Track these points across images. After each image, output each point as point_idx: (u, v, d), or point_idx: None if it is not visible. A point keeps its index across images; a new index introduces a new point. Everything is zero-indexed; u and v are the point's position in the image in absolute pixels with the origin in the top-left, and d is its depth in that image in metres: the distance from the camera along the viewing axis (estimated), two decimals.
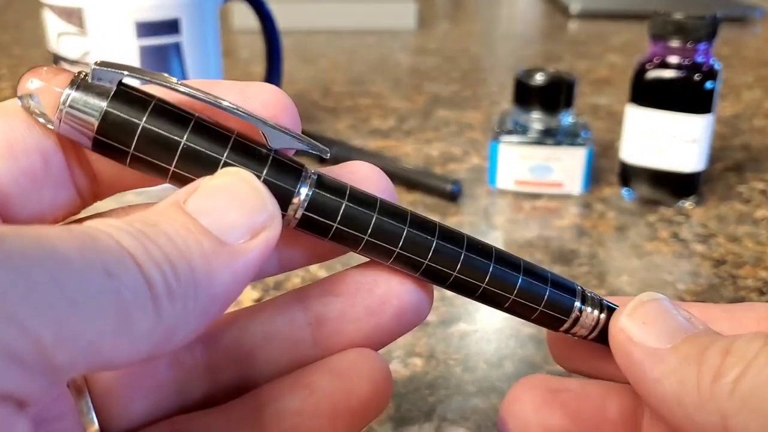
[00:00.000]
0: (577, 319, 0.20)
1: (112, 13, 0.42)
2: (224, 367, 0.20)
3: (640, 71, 0.45)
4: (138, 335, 0.13)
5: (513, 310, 0.20)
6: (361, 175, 0.19)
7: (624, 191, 0.48)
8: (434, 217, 0.19)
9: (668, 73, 0.44)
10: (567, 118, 0.48)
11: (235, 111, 0.17)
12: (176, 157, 0.16)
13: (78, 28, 0.43)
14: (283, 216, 0.17)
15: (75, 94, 0.16)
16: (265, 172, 0.17)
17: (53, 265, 0.12)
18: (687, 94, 0.44)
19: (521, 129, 0.48)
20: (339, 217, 0.18)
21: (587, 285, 0.38)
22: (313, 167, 0.18)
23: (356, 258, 0.19)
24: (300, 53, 0.85)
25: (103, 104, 0.16)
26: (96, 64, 0.16)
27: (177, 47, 0.45)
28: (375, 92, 0.71)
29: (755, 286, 0.38)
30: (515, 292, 0.19)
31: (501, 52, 0.93)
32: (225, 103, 0.17)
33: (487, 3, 1.27)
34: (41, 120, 0.16)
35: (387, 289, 0.19)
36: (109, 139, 0.16)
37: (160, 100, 0.16)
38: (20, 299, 0.11)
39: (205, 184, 0.16)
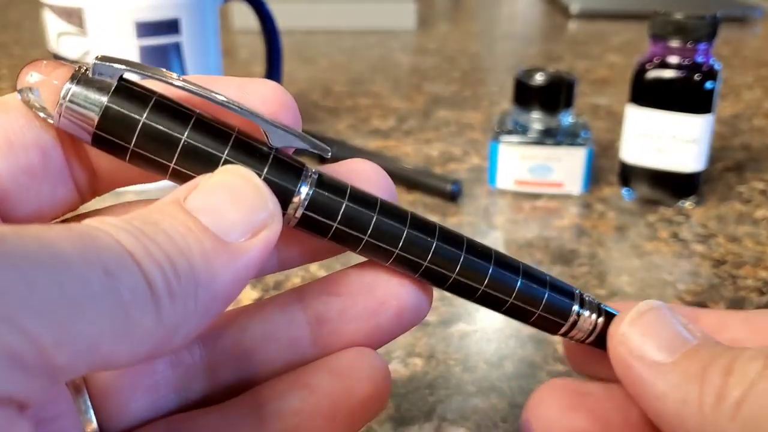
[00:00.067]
0: (575, 323, 0.20)
1: (112, 13, 0.42)
2: (223, 366, 0.19)
3: (640, 71, 0.45)
4: (138, 335, 0.13)
5: (511, 312, 0.20)
6: (362, 173, 0.19)
7: (624, 191, 0.48)
8: (434, 218, 0.19)
9: (668, 73, 0.44)
10: (567, 118, 0.48)
11: (237, 108, 0.17)
12: (176, 154, 0.16)
13: (78, 28, 0.43)
14: (283, 215, 0.17)
15: (75, 89, 0.16)
16: (265, 170, 0.17)
17: (53, 266, 0.12)
18: (687, 94, 0.44)
19: (521, 129, 0.48)
20: (339, 217, 0.17)
21: (587, 285, 0.38)
22: (313, 166, 0.18)
23: (355, 257, 0.19)
24: (300, 53, 0.85)
25: (104, 99, 0.16)
26: (97, 58, 0.16)
27: (177, 47, 0.45)
28: (375, 92, 0.71)
29: (755, 286, 0.38)
30: (514, 294, 0.19)
31: (501, 52, 0.93)
32: (226, 100, 0.17)
33: (487, 3, 1.27)
34: (41, 114, 0.16)
35: (387, 290, 0.19)
36: (110, 134, 0.16)
37: (161, 96, 0.16)
38: (20, 301, 0.11)
39: (205, 181, 0.16)
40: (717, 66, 0.44)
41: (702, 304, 0.36)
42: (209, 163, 0.16)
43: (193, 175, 0.16)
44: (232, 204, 0.15)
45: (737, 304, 0.36)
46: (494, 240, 0.43)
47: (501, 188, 0.49)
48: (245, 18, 0.84)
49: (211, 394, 0.19)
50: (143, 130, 0.16)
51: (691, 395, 0.16)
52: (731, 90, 0.73)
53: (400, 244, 0.18)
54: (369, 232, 0.18)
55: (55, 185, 0.17)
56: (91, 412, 0.18)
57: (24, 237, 0.12)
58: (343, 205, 0.18)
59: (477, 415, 0.29)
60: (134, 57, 0.43)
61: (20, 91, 0.16)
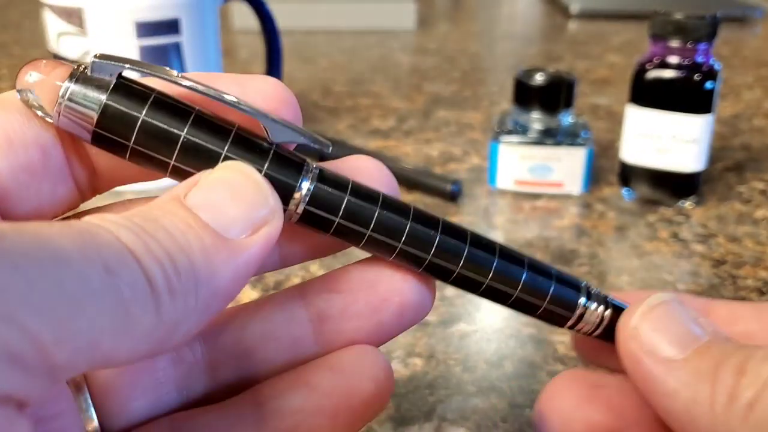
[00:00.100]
0: (581, 316, 0.20)
1: (112, 13, 0.42)
2: (225, 364, 0.19)
3: (640, 71, 0.45)
4: (138, 333, 0.13)
5: (517, 305, 0.20)
6: (364, 170, 0.19)
7: (624, 191, 0.48)
8: None
9: (668, 73, 0.44)
10: (567, 118, 0.48)
11: (236, 104, 0.17)
12: (176, 151, 0.16)
13: (78, 28, 0.43)
14: (285, 211, 0.17)
15: (74, 87, 0.16)
16: (266, 166, 0.17)
17: (52, 263, 0.12)
18: (687, 94, 0.44)
19: (521, 129, 0.48)
20: (341, 212, 0.17)
21: None
22: (313, 163, 0.18)
23: (356, 254, 0.19)
24: (300, 53, 0.85)
25: (103, 97, 0.16)
26: (95, 56, 0.16)
27: (177, 47, 0.45)
28: (375, 92, 0.71)
29: (755, 286, 0.38)
30: (519, 287, 0.19)
31: (501, 52, 0.93)
32: (226, 96, 0.17)
33: (487, 3, 1.27)
34: (40, 113, 0.16)
35: (389, 286, 0.19)
36: (109, 132, 0.16)
37: (160, 93, 0.16)
38: (20, 298, 0.11)
39: (205, 178, 0.15)
40: (717, 66, 0.44)
41: None
42: (209, 160, 0.16)
43: (193, 171, 0.16)
44: (232, 200, 0.15)
45: None
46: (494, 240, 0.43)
47: (501, 188, 0.49)
48: (245, 18, 0.84)
49: (213, 392, 0.19)
50: (142, 128, 0.16)
51: (703, 394, 0.16)
52: (731, 90, 0.73)
53: (403, 238, 0.18)
54: (371, 226, 0.18)
55: (55, 183, 0.17)
56: (92, 410, 0.18)
57: (23, 234, 0.12)
58: (345, 200, 0.17)
59: (477, 415, 0.29)
60: (134, 57, 0.43)
61: (19, 91, 0.16)
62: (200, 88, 0.16)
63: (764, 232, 0.44)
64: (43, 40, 0.47)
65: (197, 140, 0.16)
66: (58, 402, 0.17)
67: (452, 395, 0.30)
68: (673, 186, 0.46)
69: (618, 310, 0.20)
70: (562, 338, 0.33)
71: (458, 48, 0.91)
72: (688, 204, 0.47)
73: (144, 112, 0.16)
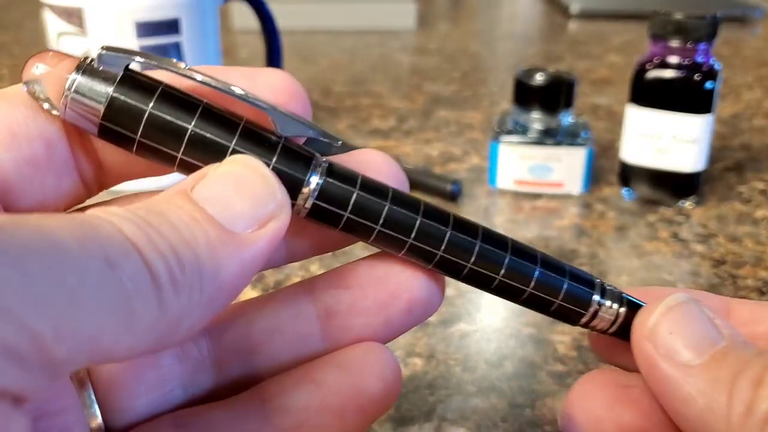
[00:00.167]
0: (596, 313, 0.19)
1: (112, 13, 0.42)
2: (231, 360, 0.19)
3: (640, 71, 0.45)
4: (140, 327, 0.13)
5: (530, 303, 0.19)
6: (372, 164, 0.19)
7: (624, 191, 0.48)
8: None
9: (668, 73, 0.44)
10: (567, 118, 0.48)
11: (245, 97, 0.16)
12: (183, 145, 0.16)
13: (78, 28, 0.43)
14: (293, 205, 0.17)
15: (81, 80, 0.15)
16: (274, 160, 0.16)
17: (52, 256, 0.12)
18: (687, 94, 0.44)
19: (521, 129, 0.48)
20: (350, 207, 0.17)
21: None
22: (322, 157, 0.18)
23: (357, 253, 0.19)
24: (300, 53, 0.85)
25: (110, 90, 0.15)
26: (102, 48, 0.16)
27: (177, 47, 0.45)
28: (375, 92, 0.71)
29: (755, 286, 0.38)
30: (532, 284, 0.19)
31: (501, 52, 0.93)
32: (234, 89, 0.16)
33: (487, 3, 1.27)
34: (46, 106, 0.16)
35: (398, 282, 0.19)
36: (116, 125, 0.16)
37: (167, 86, 0.16)
38: (17, 292, 0.11)
39: (213, 171, 0.15)
40: (717, 66, 0.44)
41: None
42: (217, 153, 0.16)
43: (200, 165, 0.16)
44: (239, 194, 0.15)
45: None
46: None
47: (501, 188, 0.49)
48: (245, 18, 0.84)
49: (218, 389, 0.19)
50: (149, 121, 0.16)
51: (719, 404, 0.16)
52: (731, 90, 0.73)
53: (413, 233, 0.18)
54: (381, 221, 0.17)
55: (60, 177, 0.17)
56: (96, 406, 0.18)
57: (23, 226, 0.12)
58: (354, 195, 0.17)
59: (477, 415, 0.29)
60: None
61: (26, 83, 0.16)
62: (208, 80, 0.16)
63: (764, 232, 0.44)
64: (43, 40, 0.47)
65: (205, 133, 0.16)
66: (61, 398, 0.17)
67: (452, 395, 0.30)
68: (673, 186, 0.46)
69: (634, 308, 0.19)
70: (562, 338, 0.33)
71: (458, 48, 0.91)
72: (688, 204, 0.47)
73: (151, 105, 0.16)
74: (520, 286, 0.19)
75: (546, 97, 0.47)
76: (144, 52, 0.16)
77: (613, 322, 0.19)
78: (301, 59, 0.82)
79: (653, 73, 0.45)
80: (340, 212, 0.17)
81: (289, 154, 0.17)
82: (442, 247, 0.18)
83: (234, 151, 0.16)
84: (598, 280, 0.20)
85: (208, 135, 0.16)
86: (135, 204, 0.14)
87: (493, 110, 0.65)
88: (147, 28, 0.43)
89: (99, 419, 0.18)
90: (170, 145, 0.16)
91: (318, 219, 0.17)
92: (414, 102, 0.68)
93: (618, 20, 1.05)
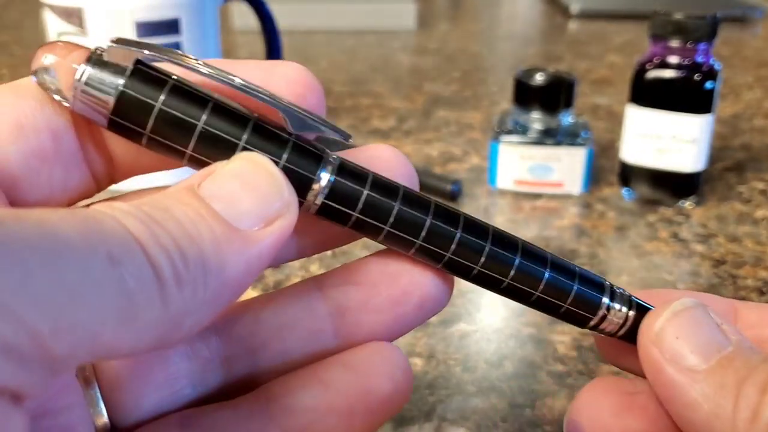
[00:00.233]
0: (604, 317, 0.19)
1: (112, 13, 0.42)
2: (240, 358, 0.19)
3: (640, 71, 0.45)
4: (143, 324, 0.12)
5: (538, 305, 0.19)
6: (383, 159, 0.18)
7: (624, 191, 0.48)
8: None
9: (668, 73, 0.44)
10: (567, 118, 0.48)
11: (255, 92, 0.16)
12: (193, 140, 0.16)
13: (78, 28, 0.43)
14: (303, 202, 0.17)
15: (91, 71, 0.15)
16: (285, 156, 0.16)
17: (52, 252, 0.11)
18: (687, 94, 0.44)
19: (521, 129, 0.48)
20: (360, 206, 0.17)
21: None
22: (333, 154, 0.18)
23: (356, 253, 0.19)
24: (300, 53, 0.85)
25: (120, 82, 0.15)
26: (113, 40, 0.15)
27: (177, 47, 0.45)
28: (375, 92, 0.71)
29: (755, 286, 0.38)
30: (541, 287, 0.19)
31: (501, 52, 0.93)
32: (244, 83, 0.16)
33: (487, 3, 1.27)
34: (56, 97, 0.15)
35: (410, 279, 0.19)
36: (125, 118, 0.15)
37: (178, 79, 0.16)
38: (15, 288, 0.11)
39: (220, 168, 0.15)
40: (717, 66, 0.44)
41: None
42: (227, 149, 0.16)
43: (210, 161, 0.16)
44: (246, 192, 0.15)
45: None
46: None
47: (501, 188, 0.49)
48: (245, 18, 0.84)
49: (227, 387, 0.19)
50: (160, 115, 0.15)
51: (725, 409, 0.16)
52: (731, 90, 0.73)
53: (423, 234, 0.18)
54: (391, 221, 0.17)
55: (68, 170, 0.16)
56: (102, 404, 0.17)
57: (24, 221, 0.12)
58: (365, 193, 0.17)
59: (477, 415, 0.29)
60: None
61: (35, 73, 0.15)
62: (218, 74, 0.16)
63: (764, 232, 0.44)
64: (43, 40, 0.47)
65: (215, 129, 0.16)
66: (65, 395, 0.17)
67: (452, 395, 0.30)
68: (673, 186, 0.46)
69: (642, 311, 0.19)
70: (562, 338, 0.33)
71: (458, 48, 0.91)
72: (688, 204, 0.47)
73: (162, 98, 0.15)
74: (530, 288, 0.19)
75: (546, 97, 0.47)
76: (155, 45, 0.16)
77: (622, 326, 0.19)
78: (301, 59, 0.82)
79: (653, 73, 0.45)
80: (349, 211, 0.17)
81: (300, 150, 0.16)
82: (452, 248, 0.18)
83: (245, 148, 0.16)
84: (607, 283, 0.20)
85: (218, 131, 0.16)
86: (141, 199, 0.14)
87: (493, 110, 0.65)
88: (147, 28, 0.43)
89: (105, 417, 0.17)
90: (180, 139, 0.16)
91: (328, 216, 0.17)
92: (414, 102, 0.68)
93: (618, 20, 1.05)
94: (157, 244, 0.13)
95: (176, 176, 0.17)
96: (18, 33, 0.94)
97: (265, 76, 0.17)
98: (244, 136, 0.16)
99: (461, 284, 0.20)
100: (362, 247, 0.37)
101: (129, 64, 0.15)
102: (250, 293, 0.36)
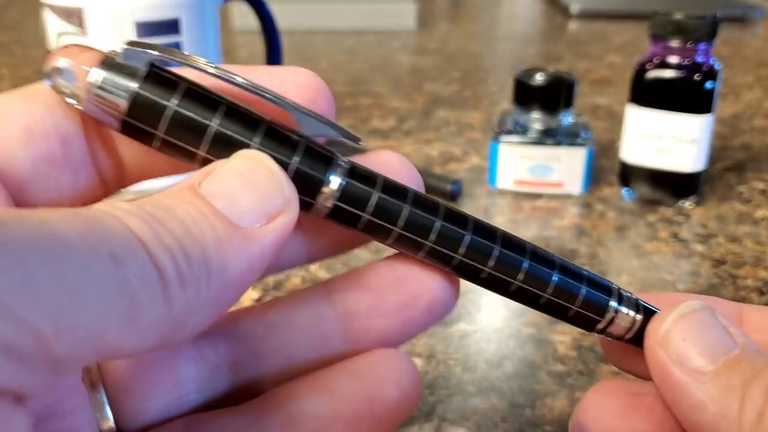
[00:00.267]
0: (612, 320, 0.19)
1: (112, 13, 0.42)
2: (248, 363, 0.19)
3: (640, 71, 0.45)
4: (146, 324, 0.12)
5: (547, 308, 0.19)
6: (388, 165, 0.18)
7: (624, 191, 0.48)
8: None
9: (668, 73, 0.44)
10: (567, 118, 0.48)
11: (269, 95, 0.16)
12: (206, 142, 0.16)
13: (78, 28, 0.43)
14: (314, 205, 0.17)
15: (105, 74, 0.15)
16: (297, 159, 0.16)
17: (54, 252, 0.11)
18: (687, 94, 0.44)
19: (521, 129, 0.48)
20: (371, 208, 0.17)
21: None
22: (343, 158, 0.18)
23: (357, 255, 0.19)
24: (300, 53, 0.85)
25: (134, 85, 0.15)
26: (127, 44, 0.15)
27: (177, 47, 0.45)
28: (375, 92, 0.71)
29: (755, 286, 0.38)
30: (550, 290, 0.19)
31: (501, 52, 0.93)
32: (257, 87, 0.16)
33: (487, 3, 1.27)
34: (69, 100, 0.15)
35: (418, 283, 0.19)
36: (139, 121, 0.15)
37: (191, 82, 0.16)
38: (16, 288, 0.11)
39: (220, 167, 0.15)
40: (717, 66, 0.44)
41: None
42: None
43: None
44: (246, 189, 0.15)
45: None
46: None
47: (501, 188, 0.49)
48: (245, 18, 0.84)
49: (235, 392, 0.19)
50: (174, 118, 0.15)
51: (731, 410, 0.16)
52: (731, 90, 0.73)
53: (433, 236, 0.18)
54: (401, 223, 0.17)
55: (76, 174, 0.16)
56: (108, 408, 0.17)
57: (26, 221, 0.11)
58: (376, 196, 0.17)
59: (477, 415, 0.29)
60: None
61: (48, 76, 0.15)
62: (230, 78, 0.16)
63: (764, 232, 0.44)
64: (43, 40, 0.47)
65: (228, 132, 0.16)
66: (70, 398, 0.17)
67: (452, 395, 0.30)
68: (673, 186, 0.46)
69: (649, 315, 0.19)
70: (562, 338, 0.33)
71: (458, 48, 0.91)
72: (688, 204, 0.47)
73: (176, 101, 0.15)
74: (539, 291, 0.19)
75: (546, 97, 0.47)
76: (168, 48, 0.16)
77: (629, 329, 0.19)
78: (301, 59, 0.82)
79: (653, 73, 0.45)
80: (360, 213, 0.17)
81: (312, 153, 0.17)
82: (461, 251, 0.18)
83: (257, 150, 0.16)
84: (615, 287, 0.20)
85: (231, 133, 0.16)
86: (143, 199, 0.14)
87: (493, 110, 0.65)
88: (147, 28, 0.43)
89: (111, 422, 0.17)
90: (193, 142, 0.16)
91: (338, 219, 0.17)
92: (414, 102, 0.68)
93: (618, 20, 1.05)
94: (160, 243, 0.13)
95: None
96: (18, 33, 0.94)
97: (276, 81, 0.17)
98: (257, 139, 0.16)
99: (461, 284, 0.20)
100: (364, 249, 0.37)
101: (142, 67, 0.15)
102: (251, 293, 0.36)
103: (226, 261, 0.14)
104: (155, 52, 0.16)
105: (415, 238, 0.18)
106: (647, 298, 0.20)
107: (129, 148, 0.17)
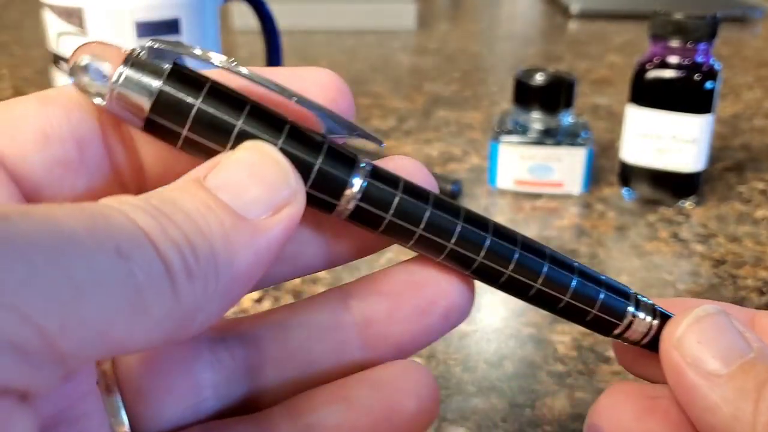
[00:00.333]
0: (629, 325, 0.19)
1: (112, 13, 0.42)
2: (266, 368, 0.19)
3: (640, 71, 0.45)
4: (154, 318, 0.12)
5: (566, 312, 0.19)
6: (404, 170, 0.18)
7: (624, 191, 0.48)
8: None
9: (668, 73, 0.44)
10: (567, 118, 0.48)
11: (295, 96, 0.16)
12: (231, 141, 0.16)
13: (78, 28, 0.43)
14: (336, 206, 0.17)
15: (129, 72, 0.15)
16: (320, 160, 0.16)
17: (58, 247, 0.11)
18: (687, 94, 0.44)
19: (521, 129, 0.48)
20: (393, 210, 0.17)
21: None
22: (365, 159, 0.18)
23: (366, 261, 0.19)
24: (300, 53, 0.85)
25: (159, 83, 0.15)
26: (151, 41, 0.15)
27: None
28: (375, 92, 0.71)
29: (755, 286, 0.38)
30: (569, 294, 0.19)
31: (501, 52, 0.93)
32: (283, 88, 0.16)
33: (487, 3, 1.27)
34: (95, 99, 0.15)
35: (436, 289, 0.18)
36: (163, 118, 0.15)
37: (215, 82, 0.16)
38: (20, 284, 0.11)
39: (225, 159, 0.15)
40: (717, 66, 0.44)
41: None
42: None
43: None
44: (252, 181, 0.15)
45: (737, 304, 0.36)
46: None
47: (501, 188, 0.49)
48: (245, 18, 0.84)
49: (252, 398, 0.19)
50: (197, 116, 0.15)
51: (745, 413, 0.16)
52: (731, 90, 0.73)
53: (454, 238, 0.18)
54: (423, 225, 0.17)
55: (93, 178, 0.16)
56: (123, 413, 0.17)
57: (30, 217, 0.11)
58: (397, 197, 0.17)
59: (477, 415, 0.29)
60: None
61: (72, 73, 0.15)
62: (255, 77, 0.16)
63: (764, 232, 0.44)
64: (43, 40, 0.47)
65: (252, 131, 0.16)
66: (84, 402, 0.16)
67: (452, 395, 0.30)
68: (673, 186, 0.46)
69: (665, 320, 0.19)
70: (562, 338, 0.33)
71: (458, 48, 0.91)
72: (688, 204, 0.47)
73: (200, 100, 0.15)
74: (558, 295, 0.19)
75: (546, 97, 0.47)
76: (192, 47, 0.16)
77: (645, 334, 0.19)
78: (301, 59, 0.82)
79: (653, 73, 0.45)
80: (382, 214, 0.17)
81: (334, 155, 0.17)
82: (482, 254, 0.18)
83: (282, 149, 0.16)
84: (632, 292, 0.20)
85: (255, 133, 0.16)
86: (148, 193, 0.14)
87: (493, 110, 0.65)
88: (147, 28, 0.43)
89: (126, 426, 0.17)
90: (217, 140, 0.16)
91: (359, 221, 0.17)
92: (414, 102, 0.68)
93: (618, 20, 1.05)
94: (167, 237, 0.13)
95: None
96: (18, 33, 0.94)
97: (298, 81, 0.17)
98: (281, 139, 0.16)
99: None
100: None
101: (167, 65, 0.15)
102: (251, 294, 0.36)
103: (233, 253, 0.14)
104: (180, 51, 0.16)
105: (437, 239, 0.18)
106: (661, 303, 0.20)
107: (150, 151, 0.17)
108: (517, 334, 0.34)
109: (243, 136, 0.16)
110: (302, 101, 0.16)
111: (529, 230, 0.44)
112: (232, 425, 0.18)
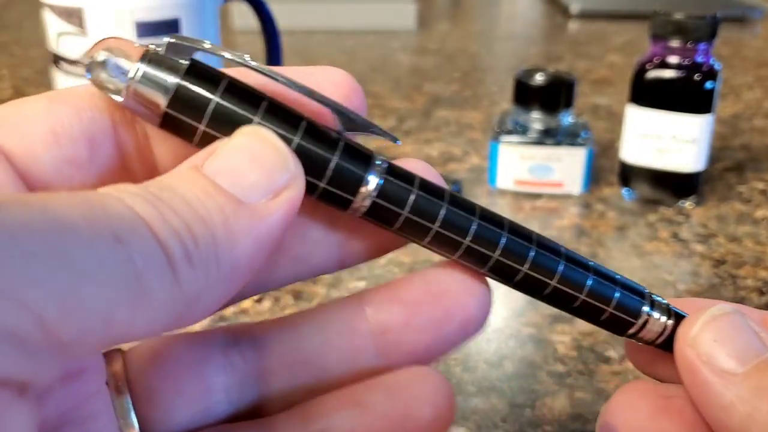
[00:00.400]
0: (644, 324, 0.19)
1: (112, 13, 0.42)
2: (279, 373, 0.18)
3: (640, 71, 0.45)
4: (156, 305, 0.12)
5: (581, 311, 0.19)
6: (413, 171, 0.18)
7: (624, 191, 0.48)
8: None
9: (668, 73, 0.44)
10: (567, 118, 0.48)
11: (313, 93, 0.16)
12: None
13: (78, 28, 0.43)
14: (351, 203, 0.17)
15: (146, 68, 0.15)
16: (337, 157, 0.16)
17: (55, 234, 0.11)
18: (687, 94, 0.44)
19: (521, 129, 0.48)
20: (409, 207, 0.17)
21: None
22: (380, 156, 0.18)
23: (363, 268, 0.19)
24: (300, 53, 0.85)
25: (177, 79, 0.15)
26: (170, 37, 0.15)
27: None
28: (375, 92, 0.71)
29: (755, 286, 0.38)
30: (585, 292, 0.19)
31: (501, 52, 0.93)
32: (301, 85, 0.16)
33: (487, 3, 1.27)
34: (115, 97, 0.15)
35: (453, 299, 0.18)
36: (181, 114, 0.15)
37: (232, 78, 0.16)
38: (17, 272, 0.10)
39: (223, 145, 0.15)
40: (717, 66, 0.44)
41: None
42: None
43: None
44: (251, 165, 0.15)
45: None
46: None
47: (501, 188, 0.49)
48: (245, 18, 0.84)
49: (264, 402, 0.19)
50: (215, 112, 0.15)
51: (760, 412, 0.16)
52: (731, 90, 0.73)
53: (470, 236, 0.17)
54: (439, 222, 0.17)
55: (104, 177, 0.16)
56: (133, 415, 0.17)
57: (27, 205, 0.11)
58: (414, 194, 0.17)
59: (477, 415, 0.29)
60: None
61: (89, 70, 0.15)
62: (274, 74, 0.16)
63: (764, 232, 0.44)
64: (43, 40, 0.47)
65: (269, 126, 0.16)
66: (89, 403, 0.16)
67: None
68: (673, 186, 0.46)
69: (679, 320, 0.19)
70: (562, 338, 0.33)
71: (458, 48, 0.91)
72: (688, 204, 0.47)
73: (217, 96, 0.15)
74: (574, 293, 0.19)
75: (546, 97, 0.47)
76: (210, 43, 0.16)
77: (660, 334, 0.19)
78: (301, 59, 0.82)
79: (653, 73, 0.45)
80: (399, 211, 0.17)
81: (351, 151, 0.17)
82: (498, 251, 0.18)
83: (298, 146, 0.16)
84: (647, 291, 0.20)
85: (273, 128, 0.16)
86: (147, 181, 0.14)
87: (493, 110, 0.65)
88: (147, 28, 0.43)
89: (135, 428, 0.17)
90: None
91: (375, 218, 0.17)
92: (414, 102, 0.68)
93: (618, 20, 1.05)
94: (166, 224, 0.13)
95: None
96: (18, 33, 0.94)
97: (311, 79, 0.17)
98: (298, 135, 0.16)
99: None
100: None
101: (184, 61, 0.15)
102: None
103: (233, 238, 0.14)
104: (197, 47, 0.16)
105: (453, 236, 0.17)
106: (676, 303, 0.20)
107: (163, 149, 0.17)
108: (517, 334, 0.34)
109: None
110: (320, 98, 0.16)
111: None
112: (243, 429, 0.18)
